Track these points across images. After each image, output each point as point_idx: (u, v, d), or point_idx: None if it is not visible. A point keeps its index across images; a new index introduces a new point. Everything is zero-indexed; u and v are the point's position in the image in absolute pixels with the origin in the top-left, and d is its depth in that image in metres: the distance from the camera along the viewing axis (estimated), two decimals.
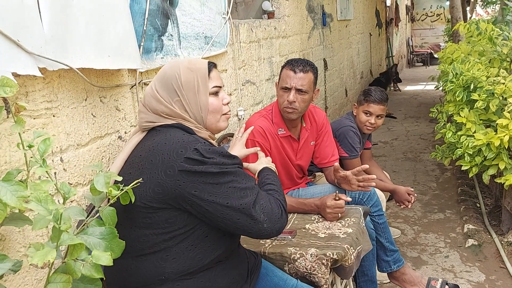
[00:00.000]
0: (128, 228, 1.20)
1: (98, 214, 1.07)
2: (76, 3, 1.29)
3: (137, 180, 1.10)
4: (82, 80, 1.40)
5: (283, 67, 2.09)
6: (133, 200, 1.11)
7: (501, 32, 3.54)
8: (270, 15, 3.29)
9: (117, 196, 1.06)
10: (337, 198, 1.91)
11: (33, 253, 0.87)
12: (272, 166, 1.57)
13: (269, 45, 3.11)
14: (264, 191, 1.34)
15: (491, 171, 2.68)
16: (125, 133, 1.66)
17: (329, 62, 4.78)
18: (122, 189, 1.07)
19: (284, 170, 2.17)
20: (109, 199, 1.08)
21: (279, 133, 2.11)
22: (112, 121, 1.60)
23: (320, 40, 4.43)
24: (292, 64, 2.05)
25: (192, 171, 1.15)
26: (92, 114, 1.49)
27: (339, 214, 1.90)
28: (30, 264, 0.86)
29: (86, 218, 1.04)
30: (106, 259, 0.93)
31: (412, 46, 13.60)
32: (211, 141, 1.33)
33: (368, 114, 2.56)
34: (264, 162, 1.59)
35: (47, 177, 1.03)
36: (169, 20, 1.89)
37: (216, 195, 1.17)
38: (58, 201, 1.25)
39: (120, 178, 1.11)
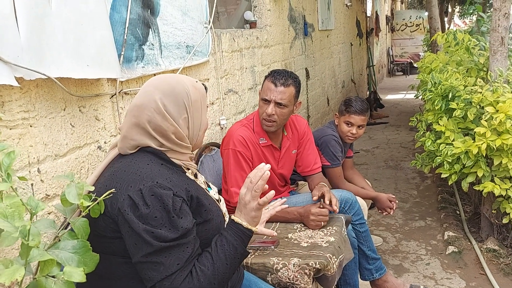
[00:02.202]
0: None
1: (70, 227, 1.04)
2: (55, 12, 1.28)
3: (110, 191, 1.08)
4: (60, 89, 1.38)
5: (266, 78, 2.10)
6: (102, 210, 1.09)
7: (478, 42, 3.63)
8: (252, 25, 3.30)
9: (89, 208, 1.03)
10: (321, 206, 1.92)
11: (2, 270, 0.84)
12: (247, 224, 1.28)
13: (252, 55, 3.12)
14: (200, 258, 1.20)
15: (470, 179, 2.73)
16: (105, 143, 1.64)
17: (311, 72, 4.82)
18: (94, 199, 1.04)
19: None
20: (81, 211, 1.05)
21: (260, 142, 2.11)
22: (91, 131, 1.57)
23: (302, 50, 4.47)
24: (274, 76, 2.05)
25: (124, 215, 1.12)
26: (70, 124, 1.47)
27: (322, 223, 1.90)
28: None
29: (57, 231, 1.01)
30: (78, 275, 0.91)
31: (392, 55, 13.83)
32: (185, 162, 1.30)
33: (349, 125, 2.59)
34: (241, 207, 1.30)
35: (23, 189, 1.00)
36: (150, 29, 1.88)
37: (130, 239, 1.13)
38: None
39: (92, 188, 1.10)
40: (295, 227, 1.94)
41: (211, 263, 1.19)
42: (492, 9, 3.02)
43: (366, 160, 5.27)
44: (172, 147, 1.26)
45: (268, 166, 1.29)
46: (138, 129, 1.23)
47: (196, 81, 1.33)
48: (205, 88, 1.36)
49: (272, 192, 1.29)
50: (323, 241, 1.79)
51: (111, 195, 1.08)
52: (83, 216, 1.05)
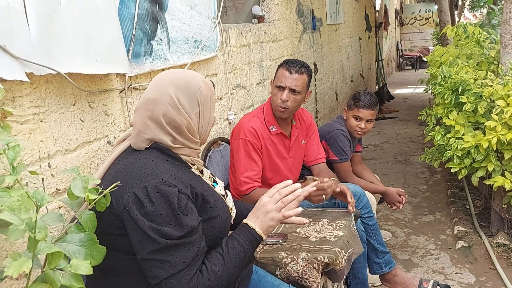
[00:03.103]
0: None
1: (76, 220, 1.05)
2: (64, 8, 1.28)
3: (116, 183, 1.09)
4: (70, 85, 1.39)
5: (279, 66, 2.16)
6: (108, 203, 1.09)
7: (488, 35, 3.59)
8: (260, 19, 3.29)
9: (95, 201, 1.03)
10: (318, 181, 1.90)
11: (10, 263, 0.85)
12: (260, 231, 1.29)
13: (260, 49, 3.11)
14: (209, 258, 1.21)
15: (480, 173, 2.70)
16: (114, 138, 1.65)
17: (319, 66, 4.80)
18: (101, 192, 1.05)
19: (272, 171, 2.19)
20: (88, 204, 1.06)
21: (271, 130, 2.16)
22: (100, 126, 1.58)
23: (310, 44, 4.45)
24: (288, 64, 2.11)
25: (130, 212, 1.12)
26: (80, 119, 1.48)
27: (324, 196, 1.90)
28: (4, 276, 0.84)
29: (64, 224, 1.02)
30: (85, 268, 0.91)
31: (401, 49, 13.71)
32: (192, 158, 1.31)
33: (358, 119, 2.58)
34: (259, 214, 1.30)
35: (34, 183, 1.01)
36: (158, 24, 1.88)
37: (136, 236, 1.14)
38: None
39: (98, 181, 1.10)
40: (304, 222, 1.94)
41: (222, 264, 1.20)
42: (503, 1, 2.98)
43: (375, 155, 5.24)
44: (184, 142, 1.26)
45: (299, 185, 1.31)
46: (152, 123, 1.23)
47: (205, 77, 1.35)
48: (213, 84, 1.37)
49: (300, 209, 1.31)
50: (331, 235, 1.79)
51: (117, 188, 1.08)
52: (89, 209, 1.06)
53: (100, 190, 1.06)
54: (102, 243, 1.04)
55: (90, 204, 1.04)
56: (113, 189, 1.07)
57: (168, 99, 1.22)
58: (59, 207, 1.39)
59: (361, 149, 2.90)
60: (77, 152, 1.47)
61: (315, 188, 1.59)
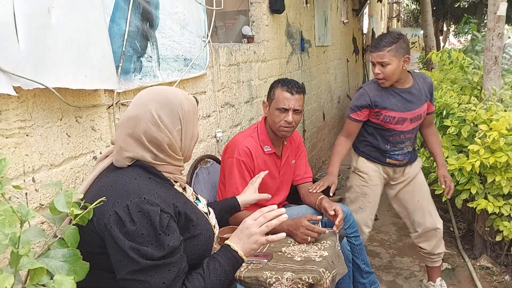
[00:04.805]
0: None
1: (59, 236, 1.04)
2: (55, 23, 1.29)
3: (101, 199, 1.07)
4: (57, 99, 1.39)
5: (276, 87, 2.15)
6: (90, 217, 1.08)
7: (472, 61, 3.69)
8: (250, 39, 3.34)
9: (78, 217, 1.02)
10: (314, 220, 1.92)
11: None
12: (242, 253, 1.29)
13: (249, 69, 3.15)
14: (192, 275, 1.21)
15: (464, 196, 2.74)
16: (100, 153, 1.64)
17: (307, 86, 4.86)
18: (84, 207, 1.03)
19: (262, 190, 2.19)
20: (70, 219, 1.04)
21: (265, 150, 2.18)
22: (87, 141, 1.58)
23: (298, 65, 4.51)
24: (287, 86, 2.11)
25: (110, 231, 1.11)
26: (67, 134, 1.47)
27: (309, 238, 1.90)
28: None
29: (46, 240, 1.01)
30: (69, 283, 0.90)
31: None
32: (175, 175, 1.31)
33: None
34: (243, 236, 1.31)
35: (17, 198, 0.99)
36: (148, 41, 1.90)
37: (116, 256, 1.12)
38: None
39: (81, 195, 1.09)
40: (288, 241, 1.94)
41: (203, 285, 1.19)
42: (486, 29, 3.08)
43: None
44: (166, 159, 1.26)
45: (284, 210, 1.34)
46: (133, 141, 1.22)
47: (189, 94, 1.35)
48: (196, 101, 1.37)
49: (283, 234, 1.32)
50: (316, 255, 1.79)
51: (99, 205, 1.07)
52: (73, 224, 1.04)
53: (82, 204, 1.05)
54: (84, 261, 1.03)
55: (74, 219, 1.03)
56: (97, 205, 1.06)
57: (149, 116, 1.22)
58: (42, 222, 1.37)
59: (432, 110, 2.53)
60: (62, 167, 1.46)
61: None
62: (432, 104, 2.49)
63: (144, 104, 1.24)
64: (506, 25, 7.75)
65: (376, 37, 2.37)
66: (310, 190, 2.26)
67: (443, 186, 2.49)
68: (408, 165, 2.53)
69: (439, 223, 2.55)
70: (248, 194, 1.87)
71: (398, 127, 2.37)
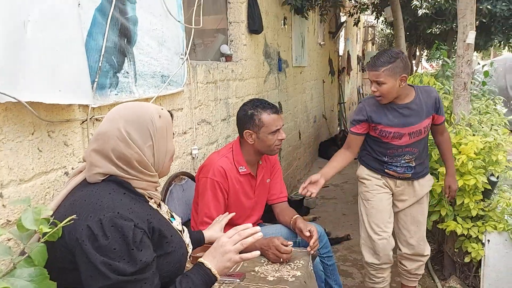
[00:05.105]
0: None
1: (27, 254, 1.01)
2: (30, 37, 1.28)
3: (71, 217, 1.05)
4: (30, 113, 1.37)
5: (259, 114, 2.11)
6: (59, 234, 1.05)
7: (442, 86, 3.81)
8: (228, 58, 3.37)
9: (47, 235, 1.00)
10: (286, 244, 1.91)
11: None
12: (215, 271, 1.29)
13: (226, 87, 3.17)
14: None
15: (434, 217, 2.80)
16: (72, 168, 1.61)
17: (284, 106, 4.91)
18: (53, 224, 1.00)
19: (237, 210, 2.18)
20: (39, 237, 1.02)
21: (240, 171, 2.17)
22: (59, 156, 1.55)
23: (275, 84, 4.57)
24: (270, 108, 2.14)
25: (82, 245, 1.09)
26: (38, 148, 1.44)
27: (281, 259, 1.89)
28: None
29: (13, 258, 0.98)
30: None
31: (362, 94, 14.24)
32: (149, 191, 1.29)
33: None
34: (217, 254, 1.31)
35: None
36: (125, 57, 1.89)
37: (87, 271, 1.09)
38: None
39: (50, 212, 1.07)
40: (262, 261, 1.93)
41: None
42: (456, 56, 3.19)
43: (335, 195, 5.33)
44: (137, 175, 1.25)
45: (259, 228, 1.34)
46: (102, 157, 1.22)
47: (162, 108, 1.33)
48: (171, 115, 1.36)
49: (257, 252, 1.32)
50: (289, 275, 1.79)
51: (72, 221, 1.05)
52: (42, 242, 1.02)
53: (51, 221, 1.03)
54: (51, 277, 1.00)
55: (42, 237, 1.01)
56: (68, 223, 1.04)
57: (118, 133, 1.21)
58: (8, 239, 1.33)
59: (443, 121, 2.48)
60: (32, 183, 1.42)
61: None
62: (441, 115, 2.43)
63: (113, 121, 1.24)
64: (475, 52, 8.07)
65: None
66: (300, 191, 2.30)
67: (446, 196, 2.58)
68: (413, 179, 2.47)
69: (428, 250, 2.60)
70: (213, 232, 1.87)
71: (396, 142, 2.36)
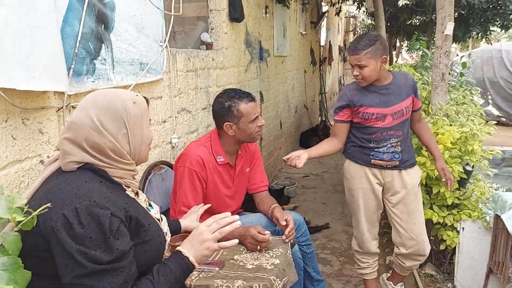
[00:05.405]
0: None
1: (0, 243, 0.99)
2: (3, 23, 1.24)
3: (46, 205, 1.04)
4: (3, 100, 1.33)
5: (236, 105, 2.10)
6: (34, 223, 1.03)
7: (421, 76, 3.86)
8: (209, 46, 3.34)
9: (21, 223, 0.98)
10: (263, 233, 1.92)
11: None
12: (193, 260, 1.29)
13: (207, 75, 3.14)
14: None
15: None
16: (48, 157, 1.58)
17: (265, 95, 4.91)
18: (27, 213, 0.99)
19: (216, 200, 2.18)
20: (13, 225, 1.00)
21: (218, 160, 2.16)
22: (34, 144, 1.52)
23: (257, 74, 4.55)
24: (246, 97, 2.13)
25: (57, 234, 1.08)
26: (12, 136, 1.41)
27: (258, 247, 1.90)
28: None
29: None
30: None
31: (343, 84, 14.35)
32: (126, 180, 1.28)
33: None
34: (195, 243, 1.31)
35: None
36: (103, 44, 1.86)
37: (61, 259, 1.08)
38: None
39: (25, 201, 1.05)
40: (241, 249, 1.94)
41: None
42: (434, 47, 3.24)
43: (315, 184, 5.38)
44: (112, 164, 1.23)
45: (238, 217, 1.34)
46: (75, 146, 1.20)
47: (137, 95, 1.31)
48: (147, 101, 1.34)
49: (236, 241, 1.32)
50: (268, 263, 1.80)
51: (46, 210, 1.03)
52: (15, 231, 1.00)
53: (26, 210, 1.01)
54: (26, 266, 0.98)
55: (16, 226, 0.99)
56: (42, 212, 1.02)
57: (90, 122, 1.20)
58: None
59: (420, 106, 2.50)
60: (5, 171, 1.39)
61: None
62: (418, 100, 2.45)
63: (86, 109, 1.22)
64: (454, 43, 8.19)
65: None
66: (283, 158, 2.29)
67: (443, 180, 2.49)
68: (401, 169, 2.42)
69: (428, 249, 2.51)
70: (189, 222, 1.86)
71: (379, 124, 2.35)
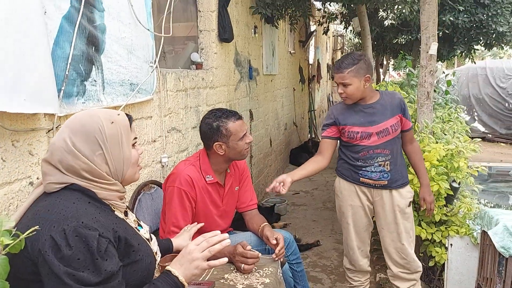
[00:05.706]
0: None
1: None
2: None
3: (34, 228, 1.03)
4: None
5: (224, 124, 2.12)
6: (22, 246, 1.03)
7: (407, 95, 3.93)
8: (199, 66, 3.38)
9: (9, 246, 0.98)
10: (248, 249, 1.92)
11: None
12: (183, 279, 1.29)
13: (197, 95, 3.17)
14: None
15: None
16: (37, 178, 1.58)
17: (255, 113, 4.95)
18: (15, 235, 0.99)
19: (205, 219, 2.18)
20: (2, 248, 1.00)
21: (207, 180, 2.17)
22: (23, 166, 1.52)
23: (246, 92, 4.60)
24: (233, 116, 2.16)
25: (44, 256, 1.07)
26: (1, 158, 1.42)
27: (243, 266, 1.88)
28: None
29: None
30: None
31: (332, 101, 14.48)
32: (111, 201, 1.27)
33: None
34: (184, 262, 1.32)
35: None
36: (93, 65, 1.88)
37: (50, 282, 1.07)
38: None
39: (13, 223, 1.05)
40: (231, 268, 1.94)
41: None
42: (419, 67, 3.31)
43: (305, 201, 5.39)
44: (92, 184, 1.22)
45: (227, 235, 1.34)
46: (52, 168, 1.20)
47: (119, 114, 1.29)
48: (130, 119, 1.32)
49: (225, 259, 1.32)
50: (258, 282, 1.80)
51: (35, 232, 1.03)
52: (3, 254, 1.00)
53: (14, 233, 1.01)
54: None
55: (4, 249, 0.99)
56: (30, 235, 1.02)
57: (63, 145, 1.20)
58: None
59: (410, 127, 2.51)
60: None
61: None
62: (408, 120, 2.47)
63: (60, 131, 1.23)
64: (440, 61, 8.35)
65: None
66: (267, 190, 2.29)
67: (422, 208, 2.56)
68: (391, 188, 2.42)
69: (420, 266, 2.53)
70: (182, 241, 1.87)
71: (365, 142, 2.38)
